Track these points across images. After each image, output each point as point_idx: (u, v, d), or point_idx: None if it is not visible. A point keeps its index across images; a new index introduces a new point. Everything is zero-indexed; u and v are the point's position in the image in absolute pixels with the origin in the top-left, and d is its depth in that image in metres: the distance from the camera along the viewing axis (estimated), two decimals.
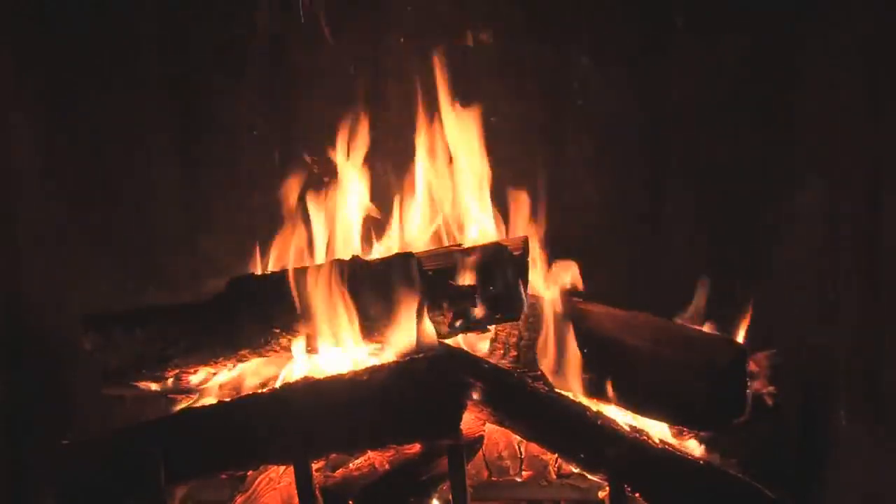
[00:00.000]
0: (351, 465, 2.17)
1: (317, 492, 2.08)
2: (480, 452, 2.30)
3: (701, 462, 2.15)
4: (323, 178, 2.67)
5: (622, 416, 2.25)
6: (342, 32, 2.78)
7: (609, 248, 2.73)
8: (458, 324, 2.25)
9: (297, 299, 2.22)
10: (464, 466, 2.11)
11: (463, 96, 2.59)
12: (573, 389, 2.27)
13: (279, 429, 2.07)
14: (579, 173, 2.80)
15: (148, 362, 2.26)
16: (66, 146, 2.83)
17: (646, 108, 2.79)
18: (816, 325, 2.59)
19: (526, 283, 2.30)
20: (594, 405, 2.25)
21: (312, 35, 2.81)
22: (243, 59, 2.85)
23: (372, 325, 2.22)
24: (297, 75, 2.84)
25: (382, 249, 2.57)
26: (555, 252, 2.49)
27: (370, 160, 2.64)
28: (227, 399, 2.25)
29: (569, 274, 2.44)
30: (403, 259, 2.26)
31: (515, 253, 2.29)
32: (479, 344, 2.42)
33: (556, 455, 2.25)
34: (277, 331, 2.25)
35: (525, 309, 2.31)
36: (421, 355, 2.12)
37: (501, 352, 2.40)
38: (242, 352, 2.28)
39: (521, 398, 2.19)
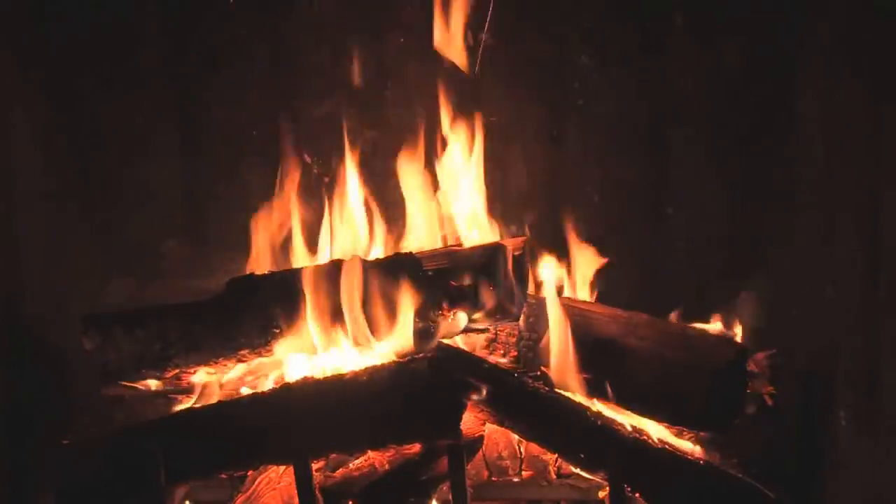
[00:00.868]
0: (351, 465, 2.17)
1: (317, 492, 2.08)
2: (480, 452, 2.30)
3: (701, 462, 2.15)
4: (323, 177, 2.67)
5: (622, 416, 2.25)
6: (342, 32, 2.78)
7: (609, 248, 2.73)
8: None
9: (297, 299, 2.22)
10: (464, 466, 2.11)
11: (463, 96, 2.59)
12: (573, 389, 2.27)
13: (279, 429, 2.07)
14: (579, 173, 2.80)
15: (148, 362, 2.26)
16: (66, 146, 2.83)
17: (646, 107, 2.79)
18: (816, 324, 2.58)
19: (525, 283, 2.30)
20: (594, 405, 2.25)
21: (312, 34, 2.81)
22: (243, 59, 2.85)
23: (372, 324, 2.22)
24: (297, 75, 2.84)
25: (384, 249, 2.57)
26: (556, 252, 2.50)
27: (370, 160, 2.64)
28: (227, 399, 2.25)
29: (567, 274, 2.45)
30: (404, 259, 2.27)
31: (515, 253, 2.29)
32: (479, 344, 2.42)
33: (556, 455, 2.25)
34: (277, 331, 2.25)
35: (525, 309, 2.31)
36: (421, 355, 2.12)
37: (501, 352, 2.40)
38: (242, 352, 2.28)
39: (521, 398, 2.19)
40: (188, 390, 2.37)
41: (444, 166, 2.60)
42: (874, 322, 2.50)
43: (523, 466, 2.34)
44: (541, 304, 2.36)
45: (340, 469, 2.18)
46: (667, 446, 2.17)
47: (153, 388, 2.34)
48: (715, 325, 2.40)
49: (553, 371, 2.30)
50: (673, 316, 2.40)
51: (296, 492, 2.09)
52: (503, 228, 2.59)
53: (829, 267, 2.58)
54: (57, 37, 2.79)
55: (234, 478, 2.24)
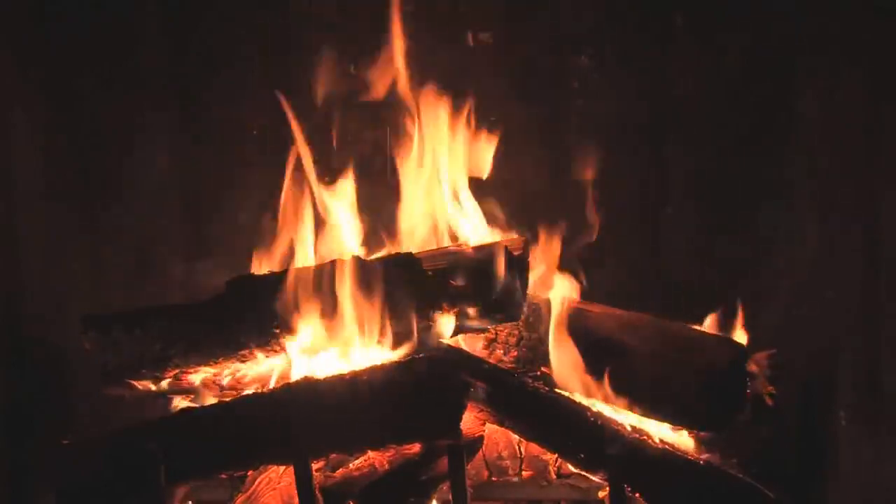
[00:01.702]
0: (351, 465, 2.17)
1: (317, 492, 2.08)
2: (480, 452, 2.30)
3: (701, 462, 2.15)
4: (324, 177, 2.67)
5: (622, 417, 2.25)
6: (342, 32, 2.78)
7: (609, 248, 2.73)
8: (457, 324, 2.25)
9: (297, 299, 2.22)
10: (464, 466, 2.11)
11: (464, 96, 2.59)
12: (573, 389, 2.27)
13: (279, 429, 2.07)
14: (578, 174, 2.80)
15: (148, 362, 2.26)
16: (66, 146, 2.83)
17: (646, 107, 2.79)
18: (816, 324, 2.58)
19: (526, 283, 2.30)
20: (594, 405, 2.25)
21: (312, 35, 2.81)
22: (243, 58, 2.85)
23: (372, 325, 2.22)
24: (297, 74, 2.83)
25: (384, 249, 2.57)
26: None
27: (370, 161, 2.64)
28: (227, 399, 2.25)
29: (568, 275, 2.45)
30: (404, 259, 2.26)
31: (515, 253, 2.29)
32: (479, 344, 2.42)
33: (556, 455, 2.25)
34: (277, 331, 2.25)
35: (525, 309, 2.31)
36: (421, 355, 2.12)
37: (501, 352, 2.40)
38: (242, 352, 2.28)
39: (521, 398, 2.19)
40: (188, 390, 2.36)
41: (444, 166, 2.60)
42: (874, 322, 2.50)
43: (523, 466, 2.34)
44: (541, 304, 2.36)
45: (340, 469, 2.17)
46: (667, 446, 2.17)
47: (153, 388, 2.34)
48: (714, 326, 2.40)
49: (553, 371, 2.30)
50: (673, 316, 2.39)
51: (296, 492, 2.09)
52: (503, 228, 2.59)
53: (829, 267, 2.58)
54: (57, 37, 2.79)
55: (234, 478, 2.24)
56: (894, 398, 2.47)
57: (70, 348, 2.58)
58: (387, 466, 2.13)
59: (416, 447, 2.14)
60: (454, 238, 2.56)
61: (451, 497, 2.11)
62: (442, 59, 2.69)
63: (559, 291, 2.38)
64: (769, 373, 2.31)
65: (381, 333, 2.22)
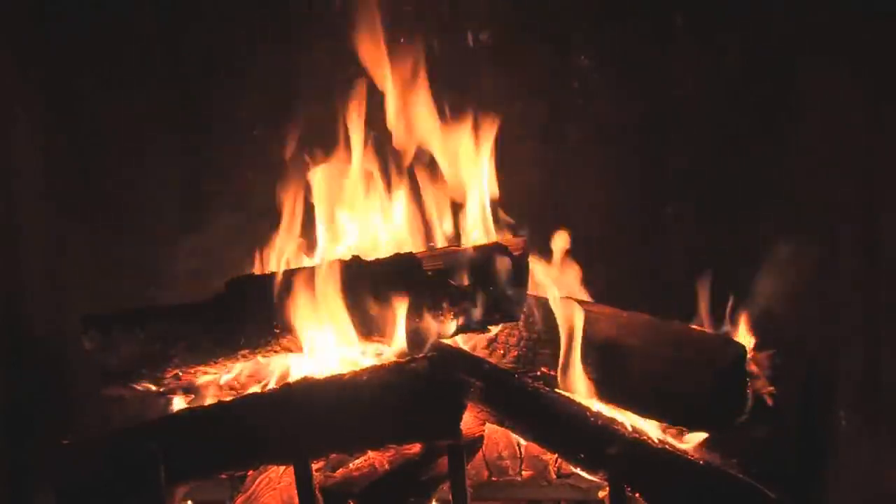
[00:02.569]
0: (351, 465, 2.17)
1: (317, 492, 2.08)
2: (480, 452, 2.30)
3: (701, 462, 2.15)
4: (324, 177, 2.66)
5: (622, 417, 2.25)
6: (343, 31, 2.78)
7: (609, 248, 2.73)
8: (457, 324, 2.25)
9: (297, 300, 2.22)
10: (464, 466, 2.11)
11: (464, 96, 2.59)
12: (574, 389, 2.27)
13: (279, 429, 2.07)
14: (579, 174, 2.80)
15: (148, 362, 2.26)
16: (66, 146, 2.83)
17: (646, 107, 2.79)
18: (816, 325, 2.59)
19: (526, 283, 2.30)
20: (594, 405, 2.25)
21: (313, 36, 2.81)
22: (243, 58, 2.85)
23: (372, 325, 2.22)
24: (297, 75, 2.84)
25: (384, 249, 2.57)
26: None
27: (371, 160, 2.64)
28: (227, 399, 2.25)
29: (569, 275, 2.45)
30: (404, 259, 2.26)
31: (515, 253, 2.29)
32: (479, 344, 2.42)
33: (556, 455, 2.25)
34: (277, 331, 2.25)
35: (525, 309, 2.31)
36: (421, 355, 2.12)
37: (501, 352, 2.40)
38: (242, 352, 2.28)
39: (521, 398, 2.19)
40: (188, 390, 2.36)
41: (445, 167, 2.60)
42: (874, 322, 2.50)
43: (523, 466, 2.34)
44: (541, 305, 2.36)
45: (340, 469, 2.17)
46: (667, 446, 2.17)
47: (153, 388, 2.34)
48: (714, 326, 2.40)
49: (553, 371, 2.30)
50: (673, 316, 2.39)
51: (296, 492, 2.09)
52: (502, 229, 2.59)
53: (829, 267, 2.58)
54: (57, 37, 2.79)
55: (234, 478, 2.24)
56: (894, 398, 2.47)
57: (70, 348, 2.58)
58: (387, 466, 2.13)
59: (416, 447, 2.14)
60: (454, 238, 2.57)
61: (451, 497, 2.11)
62: (442, 60, 2.69)
63: (559, 291, 2.38)
64: (769, 373, 2.31)
65: (382, 333, 2.22)
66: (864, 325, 2.52)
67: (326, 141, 2.64)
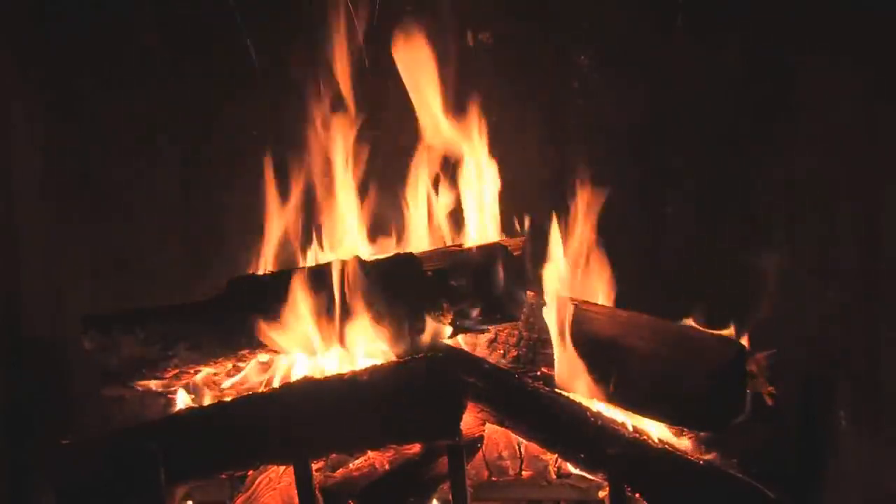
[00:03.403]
0: (351, 465, 2.17)
1: (317, 492, 2.08)
2: (480, 452, 2.30)
3: (701, 462, 2.15)
4: (324, 176, 2.67)
5: (622, 417, 2.25)
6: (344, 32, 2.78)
7: (609, 248, 2.73)
8: (457, 324, 2.25)
9: (298, 300, 2.22)
10: (464, 466, 2.11)
11: (464, 96, 2.59)
12: (574, 390, 2.27)
13: (279, 429, 2.07)
14: (578, 174, 2.80)
15: (148, 362, 2.26)
16: (66, 146, 2.83)
17: (646, 107, 2.79)
18: (816, 325, 2.59)
19: (525, 283, 2.30)
20: (594, 405, 2.25)
21: (313, 37, 2.81)
22: (243, 58, 2.85)
23: (372, 325, 2.22)
24: (297, 76, 2.84)
25: (384, 249, 2.57)
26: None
27: (370, 160, 2.64)
28: (227, 399, 2.25)
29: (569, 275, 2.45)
30: (404, 260, 2.26)
31: (515, 253, 2.29)
32: (480, 344, 2.42)
33: (556, 455, 2.25)
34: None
35: (525, 309, 2.31)
36: (421, 355, 2.12)
37: (501, 352, 2.40)
38: (242, 352, 2.28)
39: (521, 398, 2.19)
40: (186, 389, 2.37)
41: (445, 167, 2.60)
42: (874, 322, 2.51)
43: (523, 466, 2.34)
44: (541, 305, 2.36)
45: (340, 469, 2.17)
46: (667, 446, 2.17)
47: (153, 388, 2.34)
48: (714, 326, 2.40)
49: (553, 371, 2.30)
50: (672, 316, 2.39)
51: (296, 492, 2.09)
52: (502, 228, 2.59)
53: (829, 267, 2.59)
54: (57, 37, 2.80)
55: (234, 478, 2.24)
56: (894, 398, 2.48)
57: (70, 348, 2.58)
58: (387, 466, 2.13)
59: (416, 447, 2.14)
60: (455, 238, 2.57)
61: (451, 497, 2.11)
62: (441, 59, 2.69)
63: (559, 291, 2.38)
64: (769, 373, 2.31)
65: (382, 333, 2.22)
66: (864, 326, 2.53)
67: (326, 141, 2.64)
